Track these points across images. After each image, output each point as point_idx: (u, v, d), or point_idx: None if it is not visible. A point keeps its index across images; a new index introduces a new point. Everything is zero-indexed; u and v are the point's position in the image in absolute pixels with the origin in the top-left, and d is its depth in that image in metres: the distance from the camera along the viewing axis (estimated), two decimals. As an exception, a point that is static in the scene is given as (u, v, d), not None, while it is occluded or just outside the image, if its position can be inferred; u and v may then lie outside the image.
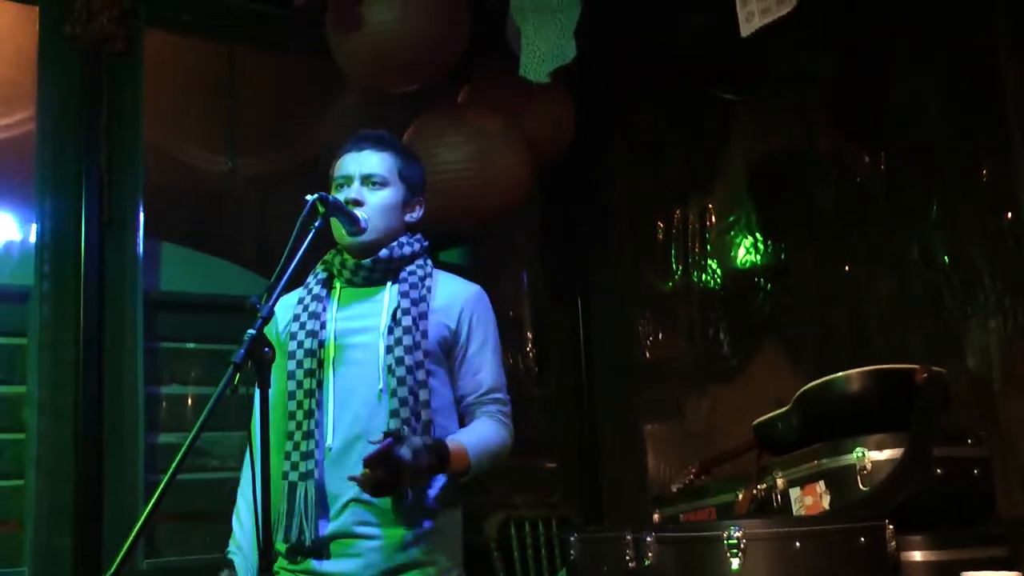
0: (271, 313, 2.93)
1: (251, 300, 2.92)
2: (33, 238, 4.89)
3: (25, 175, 4.95)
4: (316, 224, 3.22)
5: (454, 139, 5.15)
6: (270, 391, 3.42)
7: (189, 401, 5.29)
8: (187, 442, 2.64)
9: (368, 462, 3.13)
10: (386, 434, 3.16)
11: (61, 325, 4.82)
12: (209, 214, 5.75)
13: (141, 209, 5.06)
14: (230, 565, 3.43)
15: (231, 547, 3.51)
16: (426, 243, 3.63)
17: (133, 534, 2.53)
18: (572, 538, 3.93)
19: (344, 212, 3.36)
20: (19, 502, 4.76)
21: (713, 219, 5.80)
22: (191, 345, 5.32)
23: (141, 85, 5.16)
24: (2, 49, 5.16)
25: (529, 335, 6.50)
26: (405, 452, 3.13)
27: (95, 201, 4.91)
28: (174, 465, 2.60)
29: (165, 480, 2.56)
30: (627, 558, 3.51)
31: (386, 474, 3.13)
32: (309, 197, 3.23)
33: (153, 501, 2.53)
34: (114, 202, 4.97)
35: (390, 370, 3.36)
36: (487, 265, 6.42)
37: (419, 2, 4.86)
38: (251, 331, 2.84)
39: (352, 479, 3.21)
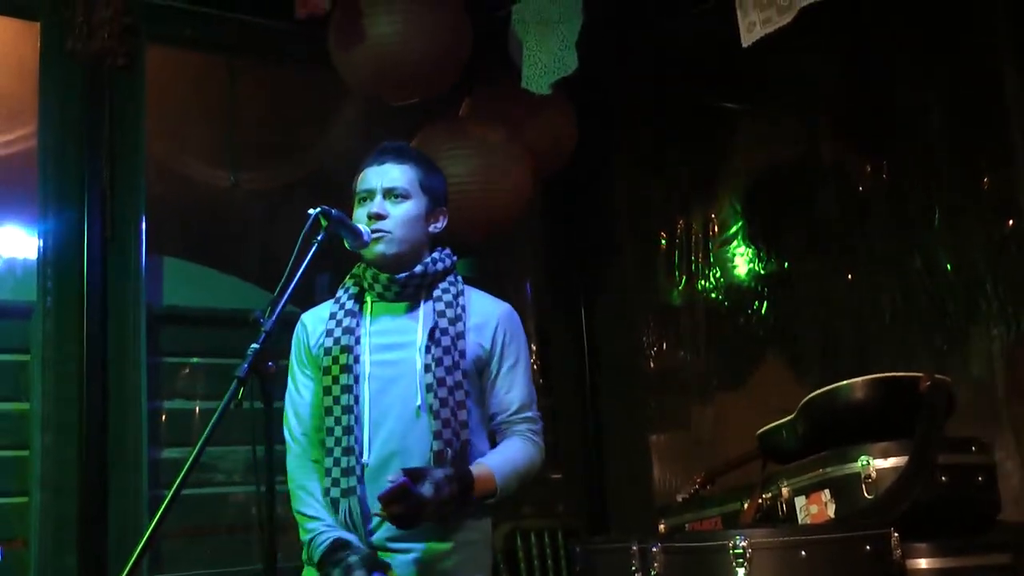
0: (275, 327, 2.92)
1: (255, 314, 2.91)
2: (36, 254, 4.90)
3: (28, 190, 4.96)
4: (319, 238, 3.20)
5: (457, 152, 5.16)
6: (307, 403, 3.44)
7: (194, 415, 5.28)
8: (192, 457, 2.64)
9: (383, 500, 3.12)
10: (405, 471, 3.15)
11: (64, 341, 4.82)
12: (212, 228, 5.75)
13: (144, 223, 5.07)
14: (346, 546, 3.29)
15: (321, 527, 3.36)
16: (455, 258, 3.60)
17: (138, 550, 2.52)
18: (578, 549, 3.93)
19: (347, 226, 3.33)
20: (24, 519, 4.77)
21: (716, 228, 5.81)
22: (194, 359, 5.32)
23: (143, 100, 5.17)
24: (4, 64, 5.17)
25: (533, 346, 6.50)
26: (427, 488, 3.13)
27: (97, 216, 4.92)
28: (179, 480, 2.60)
29: (170, 495, 2.56)
30: (633, 568, 3.52)
31: (406, 510, 3.11)
32: (312, 211, 3.21)
33: (158, 516, 2.53)
34: (116, 217, 4.98)
35: (429, 389, 3.34)
36: (491, 277, 6.41)
37: (421, 15, 4.87)
38: (255, 345, 2.84)
39: (376, 515, 3.22)
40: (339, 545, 3.29)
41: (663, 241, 6.09)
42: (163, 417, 5.18)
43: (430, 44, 4.90)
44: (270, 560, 2.86)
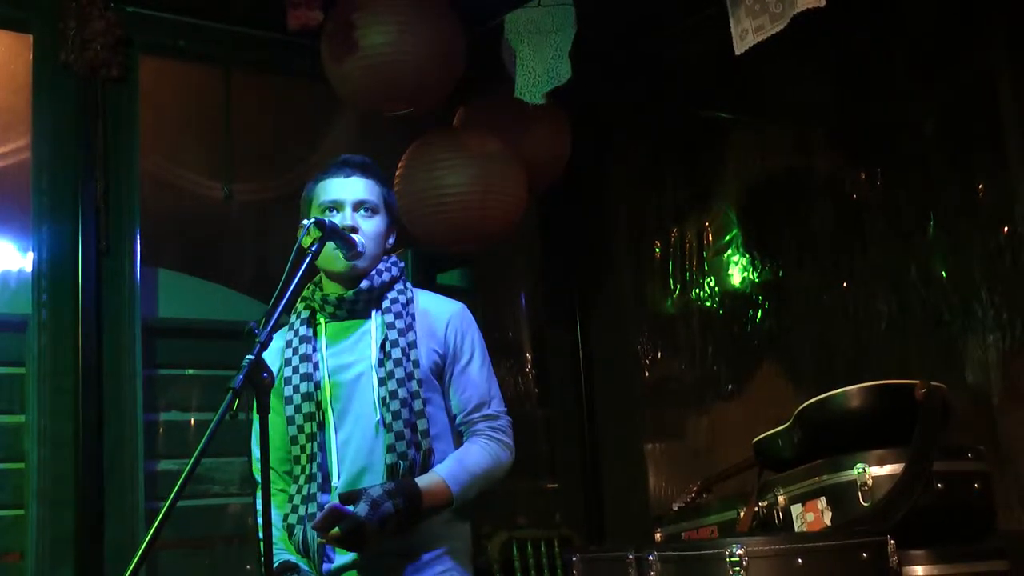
0: (269, 339, 2.92)
1: (249, 325, 2.91)
2: (30, 267, 4.89)
3: (22, 203, 4.95)
4: (313, 248, 3.22)
5: (454, 162, 5.16)
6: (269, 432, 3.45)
7: (189, 427, 5.28)
8: (187, 469, 2.64)
9: (315, 528, 3.16)
10: (340, 494, 3.20)
11: (59, 354, 4.81)
12: (206, 240, 5.75)
13: (138, 236, 5.05)
14: (294, 568, 3.34)
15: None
16: (402, 264, 3.61)
17: (134, 562, 2.52)
18: (574, 558, 3.92)
19: (342, 236, 3.34)
20: (20, 532, 4.75)
21: (710, 238, 5.81)
22: (189, 371, 5.32)
23: (137, 112, 5.16)
24: (-3, 78, 5.18)
25: (529, 356, 6.51)
26: (362, 507, 3.14)
27: (92, 229, 4.90)
28: (175, 492, 2.59)
29: (165, 507, 2.56)
30: (629, 577, 3.51)
31: (344, 532, 3.12)
32: (306, 221, 3.23)
33: (154, 528, 2.52)
34: (111, 229, 4.97)
35: (384, 403, 3.35)
36: (487, 287, 6.42)
37: (414, 27, 4.87)
38: (249, 356, 2.83)
39: (320, 541, 3.25)
40: (287, 567, 3.34)
41: (658, 251, 6.09)
42: (159, 429, 5.18)
43: (423, 55, 4.90)
44: (267, 571, 2.85)
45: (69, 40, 4.93)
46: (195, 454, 2.66)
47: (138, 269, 5.05)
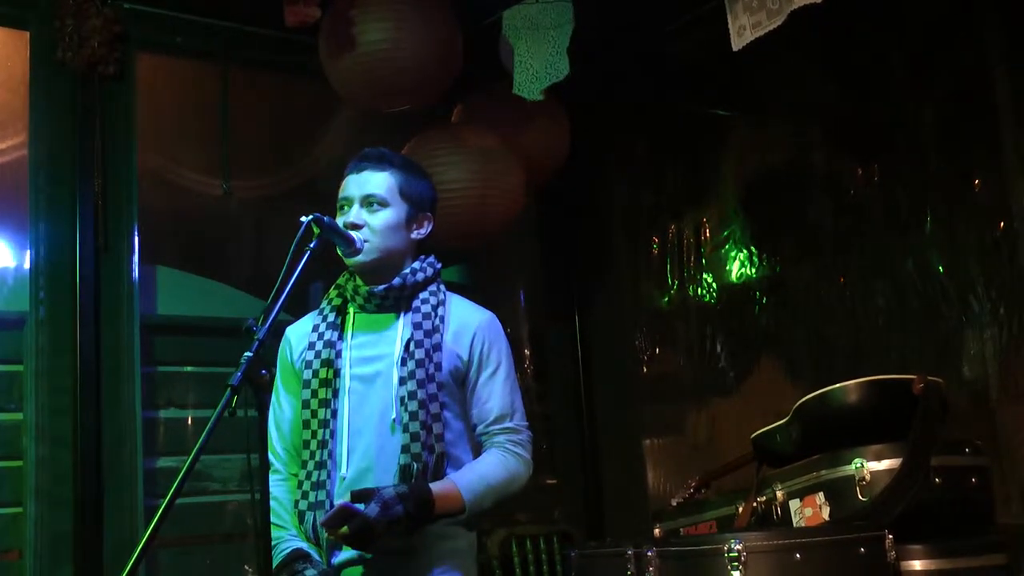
0: (268, 336, 2.91)
1: (248, 323, 2.90)
2: (28, 264, 4.89)
3: (19, 201, 4.95)
4: (311, 245, 3.19)
5: (453, 159, 5.15)
6: (288, 418, 3.43)
7: (188, 424, 5.28)
8: (186, 466, 2.64)
9: (324, 524, 3.15)
10: (353, 492, 3.17)
11: (58, 351, 4.81)
12: (204, 237, 5.73)
13: (136, 233, 5.06)
14: (305, 557, 3.31)
15: (285, 536, 3.36)
16: (439, 266, 3.56)
17: (133, 559, 2.52)
18: (574, 554, 3.93)
19: (339, 233, 3.32)
20: (19, 530, 4.75)
21: (708, 234, 5.82)
22: (188, 368, 5.32)
23: (134, 109, 5.16)
24: (-6, 75, 5.17)
25: (528, 352, 6.50)
26: (372, 508, 3.11)
27: (90, 226, 4.90)
28: (173, 489, 2.59)
29: (164, 504, 2.56)
30: (629, 573, 3.52)
31: (352, 531, 3.10)
32: (304, 218, 3.20)
33: (152, 525, 2.52)
34: (109, 226, 4.97)
35: (402, 402, 3.32)
36: (485, 283, 6.42)
37: (412, 23, 4.86)
38: (248, 354, 2.83)
39: (329, 536, 3.22)
40: (298, 556, 3.30)
41: (656, 247, 6.10)
42: (157, 426, 5.18)
43: (421, 51, 4.89)
44: (265, 568, 2.86)
45: (66, 37, 4.93)
46: (194, 451, 2.66)
47: (136, 266, 5.05)
